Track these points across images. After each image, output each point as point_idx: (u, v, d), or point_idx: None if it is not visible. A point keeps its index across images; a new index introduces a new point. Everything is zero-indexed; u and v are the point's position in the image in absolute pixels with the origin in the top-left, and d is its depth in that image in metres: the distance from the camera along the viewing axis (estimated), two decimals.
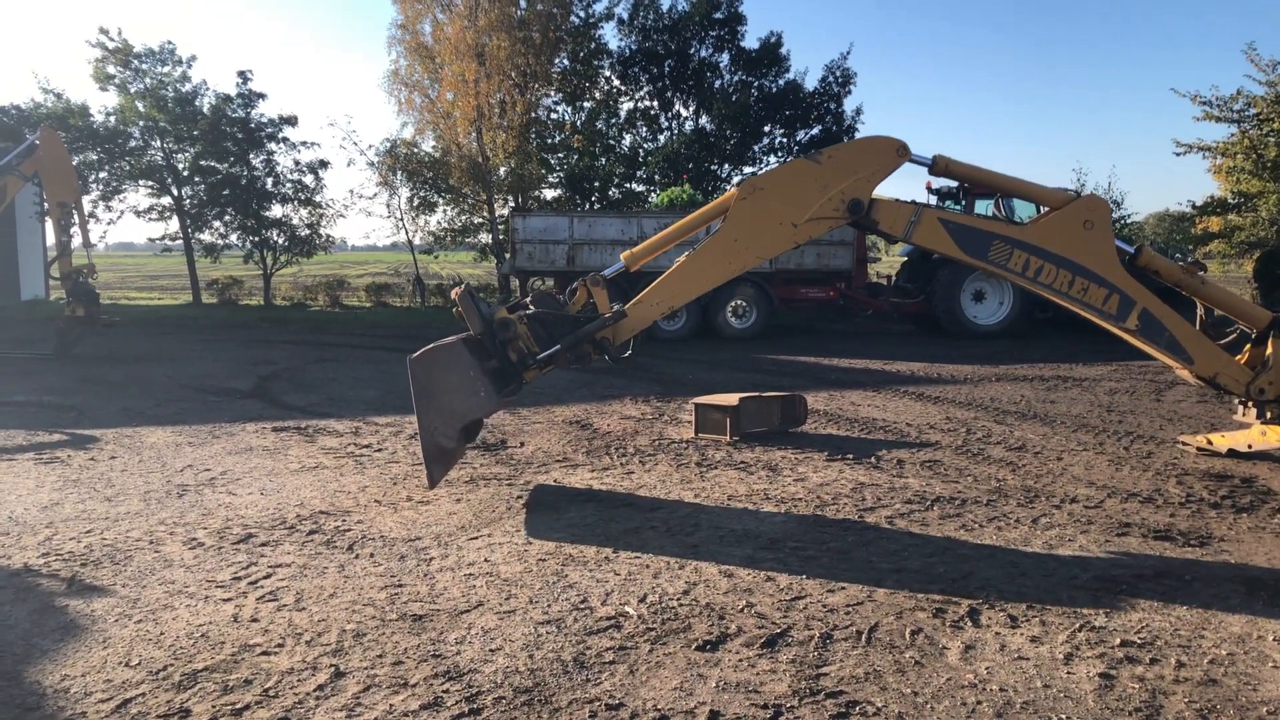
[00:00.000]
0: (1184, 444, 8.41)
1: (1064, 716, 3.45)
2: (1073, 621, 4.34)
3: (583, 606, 4.49)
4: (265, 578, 4.89)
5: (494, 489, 6.76)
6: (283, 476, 7.12)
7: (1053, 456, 7.98)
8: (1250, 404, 6.82)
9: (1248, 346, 6.99)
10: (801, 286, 19.14)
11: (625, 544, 5.47)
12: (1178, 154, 24.87)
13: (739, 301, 18.15)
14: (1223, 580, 4.94)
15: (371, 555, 5.26)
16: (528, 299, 6.61)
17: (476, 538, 5.58)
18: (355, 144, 54.02)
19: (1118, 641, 4.11)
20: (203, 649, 4.01)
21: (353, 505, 6.31)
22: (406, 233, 29.66)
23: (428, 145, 28.32)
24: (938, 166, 6.62)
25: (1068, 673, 3.81)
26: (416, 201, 28.87)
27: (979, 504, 6.45)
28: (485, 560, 5.17)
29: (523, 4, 26.12)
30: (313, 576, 4.92)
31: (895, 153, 6.41)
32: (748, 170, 30.93)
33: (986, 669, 3.85)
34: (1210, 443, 8.18)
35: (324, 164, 29.17)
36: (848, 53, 42.67)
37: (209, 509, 6.20)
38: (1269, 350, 6.70)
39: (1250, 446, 7.94)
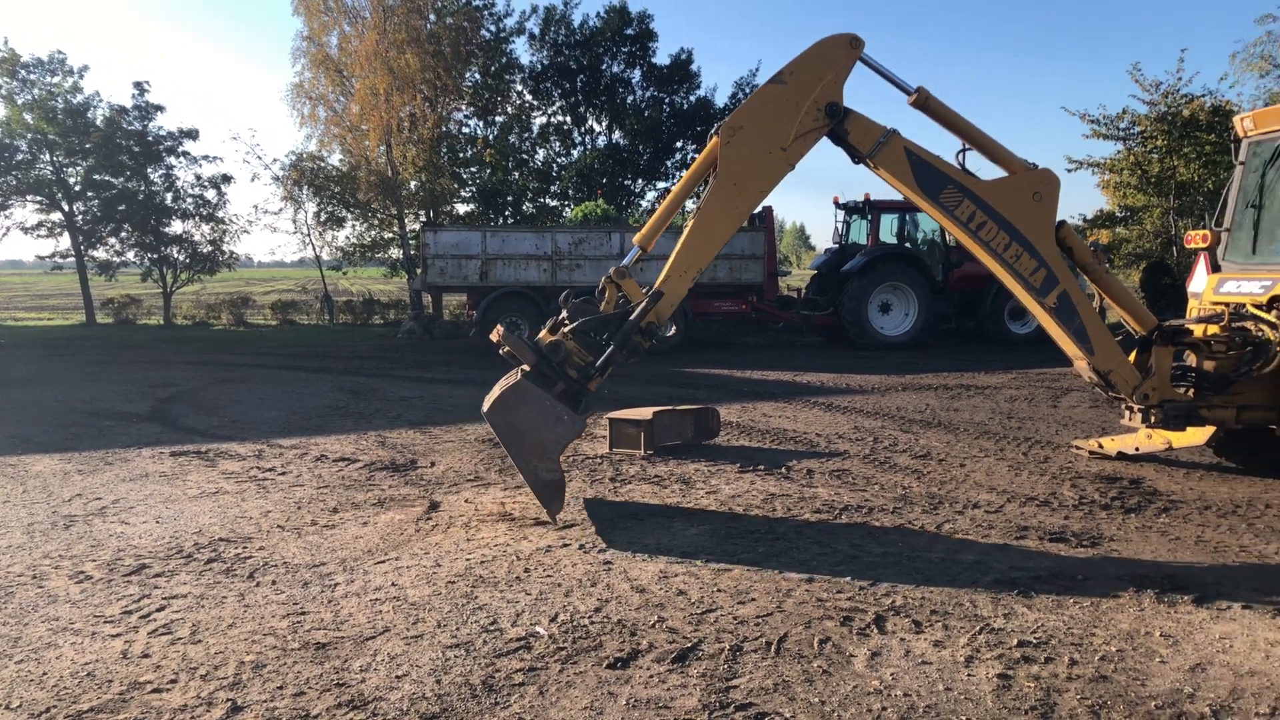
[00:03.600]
0: (1077, 448, 8.75)
1: (964, 718, 3.53)
2: (974, 624, 4.46)
3: (492, 628, 4.43)
4: (158, 610, 4.69)
5: (403, 511, 6.62)
6: (180, 503, 6.85)
7: (956, 463, 8.21)
8: (1136, 408, 7.12)
9: (1134, 350, 7.29)
10: (715, 300, 19.36)
11: (537, 562, 5.42)
12: (1070, 170, 26.00)
13: None
14: (1113, 579, 5.14)
15: (273, 583, 5.09)
16: (563, 314, 6.52)
17: (384, 561, 5.46)
18: (260, 158, 52.51)
19: (1015, 642, 4.24)
20: (89, 688, 3.82)
21: (254, 531, 6.11)
22: (314, 248, 29.02)
23: (335, 159, 27.81)
24: (918, 97, 6.75)
25: (968, 675, 3.91)
26: (324, 217, 28.27)
27: (885, 512, 6.59)
28: (392, 584, 5.05)
29: (432, 18, 25.89)
30: (210, 607, 4.73)
31: (849, 45, 6.53)
32: (660, 185, 31.19)
33: (891, 675, 3.92)
34: (1101, 446, 8.54)
35: (227, 178, 28.37)
36: (757, 70, 43.36)
37: (99, 540, 5.92)
38: (1152, 358, 7.01)
39: (1137, 449, 8.32)
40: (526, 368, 6.30)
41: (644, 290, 6.56)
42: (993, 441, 9.19)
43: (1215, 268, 7.83)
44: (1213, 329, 7.23)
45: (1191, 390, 7.08)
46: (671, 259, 6.54)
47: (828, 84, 6.48)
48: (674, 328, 6.62)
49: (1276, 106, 7.66)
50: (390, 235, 28.47)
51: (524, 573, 5.23)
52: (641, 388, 13.41)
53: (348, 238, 28.97)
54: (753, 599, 4.82)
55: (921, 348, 18.54)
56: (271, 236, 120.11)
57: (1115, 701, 3.68)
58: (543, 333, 6.49)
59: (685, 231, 6.62)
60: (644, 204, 31.05)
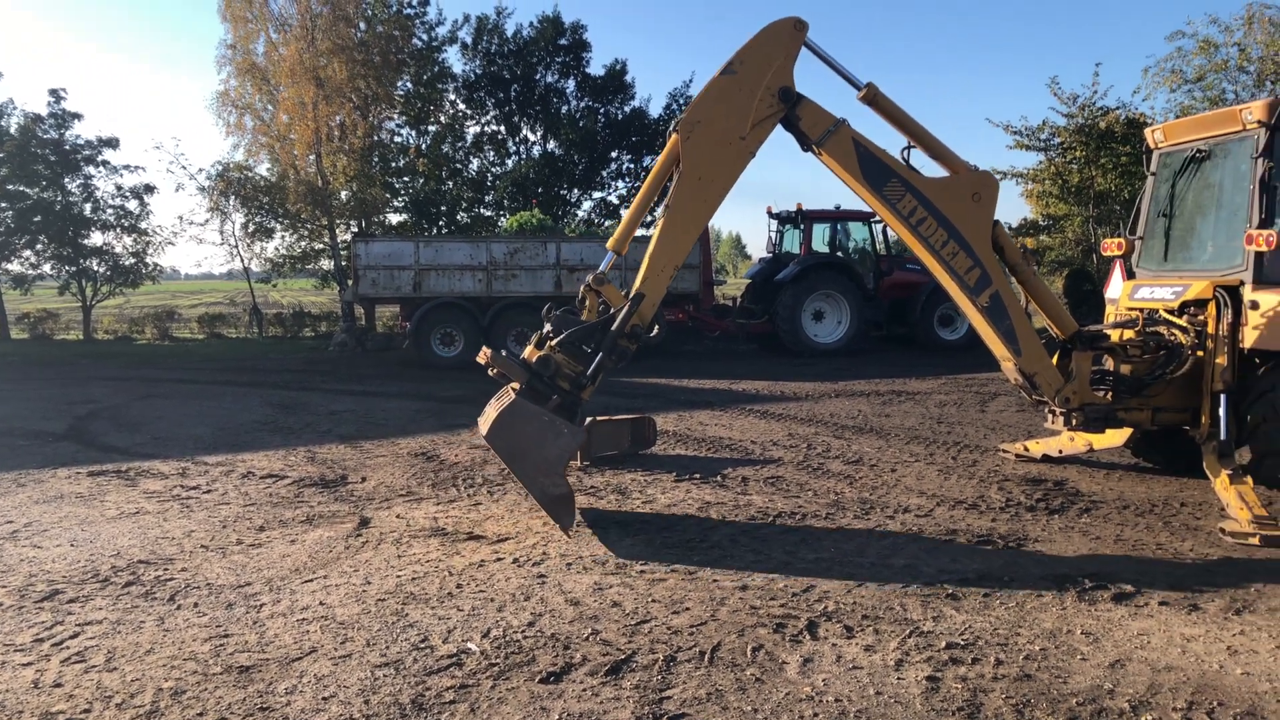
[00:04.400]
0: (1004, 451, 8.96)
1: None
2: (904, 628, 4.53)
3: (423, 646, 4.35)
4: (72, 637, 4.51)
5: (332, 528, 6.48)
6: (98, 525, 6.61)
7: (887, 468, 8.34)
8: (1058, 412, 7.32)
9: (1056, 354, 7.49)
10: None
11: (469, 578, 5.34)
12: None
13: None
14: (1037, 579, 5.27)
15: (195, 605, 4.94)
16: (547, 328, 6.48)
17: (311, 580, 5.33)
18: (184, 168, 51.07)
19: (944, 644, 4.31)
20: None
21: (176, 552, 5.92)
22: (242, 260, 28.32)
23: (263, 169, 27.22)
24: (868, 93, 6.90)
25: (898, 678, 3.97)
26: (252, 227, 27.61)
27: (818, 518, 6.66)
28: (320, 603, 4.94)
29: (362, 26, 25.55)
30: (127, 633, 4.57)
31: (794, 29, 6.62)
32: (596, 195, 31.22)
33: (823, 680, 3.95)
34: (1027, 449, 8.76)
35: (150, 188, 27.52)
36: (690, 80, 43.68)
37: (9, 565, 5.67)
38: (1072, 362, 7.22)
39: (1061, 452, 8.55)
40: (516, 386, 6.29)
41: (623, 294, 6.58)
42: (923, 446, 9.36)
43: (1130, 274, 8.10)
44: (1128, 334, 7.49)
45: (1110, 394, 7.31)
46: (647, 259, 6.57)
47: (778, 69, 6.59)
48: (656, 327, 6.65)
49: (1185, 119, 7.96)
50: (321, 246, 27.92)
51: (456, 588, 5.16)
52: None
53: (277, 249, 28.36)
54: (687, 608, 4.82)
55: (854, 354, 18.82)
56: (198, 248, 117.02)
57: (1039, 700, 3.76)
58: (529, 349, 6.50)
59: (657, 231, 6.67)
60: (580, 214, 31.06)
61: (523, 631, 4.52)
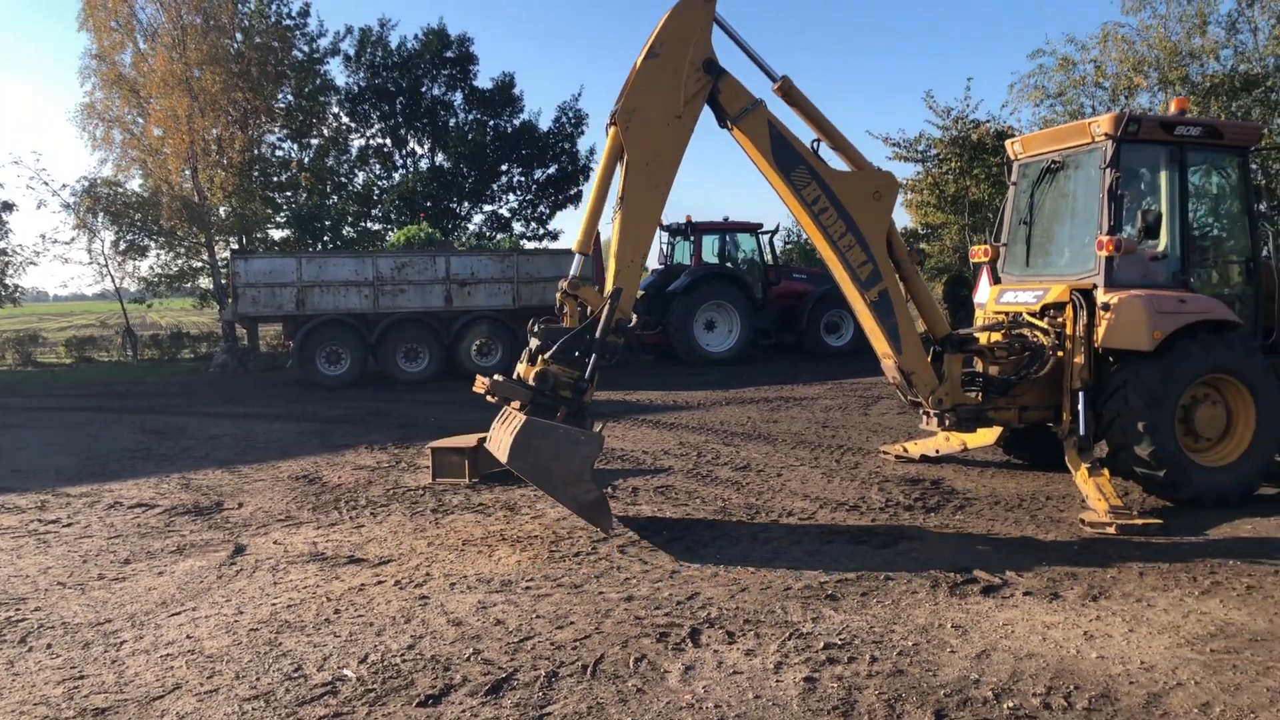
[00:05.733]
0: (885, 453, 9.24)
1: None
2: (784, 631, 4.61)
3: (296, 675, 4.20)
4: None
5: (204, 557, 6.21)
6: None
7: (774, 473, 8.49)
8: (932, 412, 7.60)
9: (930, 356, 7.77)
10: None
11: (349, 603, 5.19)
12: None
13: (483, 340, 18.02)
14: (912, 577, 5.44)
15: (49, 646, 4.65)
16: (534, 343, 6.52)
17: (179, 613, 5.09)
18: (46, 183, 48.12)
19: (822, 645, 4.40)
20: None
21: (30, 591, 5.57)
22: (113, 280, 26.97)
23: (134, 184, 26.00)
24: (783, 85, 7.13)
25: (776, 681, 4.03)
26: (124, 245, 26.32)
27: (705, 525, 6.73)
28: (188, 637, 4.72)
29: (239, 36, 24.72)
30: None
31: (702, 1, 6.77)
32: (487, 208, 30.91)
33: (704, 687, 3.98)
34: (906, 450, 9.06)
35: (8, 206, 25.98)
36: (579, 94, 43.98)
37: None
38: (945, 365, 7.50)
39: (938, 452, 8.87)
40: (517, 405, 6.37)
41: (599, 292, 6.66)
42: (808, 450, 9.57)
43: (996, 279, 8.48)
44: (995, 336, 7.82)
45: (980, 394, 7.63)
46: (614, 255, 6.65)
47: (697, 43, 6.77)
48: (634, 317, 6.71)
49: (1042, 132, 8.40)
50: (199, 264, 26.82)
51: (334, 614, 5.01)
52: (472, 414, 13.16)
53: (151, 267, 27.07)
54: (571, 622, 4.79)
55: (745, 362, 19.14)
56: (63, 268, 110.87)
57: (909, 693, 3.87)
58: (521, 366, 6.56)
59: (616, 227, 6.72)
60: (471, 227, 30.69)
61: (402, 655, 4.41)
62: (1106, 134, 7.19)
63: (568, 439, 6.10)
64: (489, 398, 6.62)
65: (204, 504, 7.78)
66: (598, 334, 6.42)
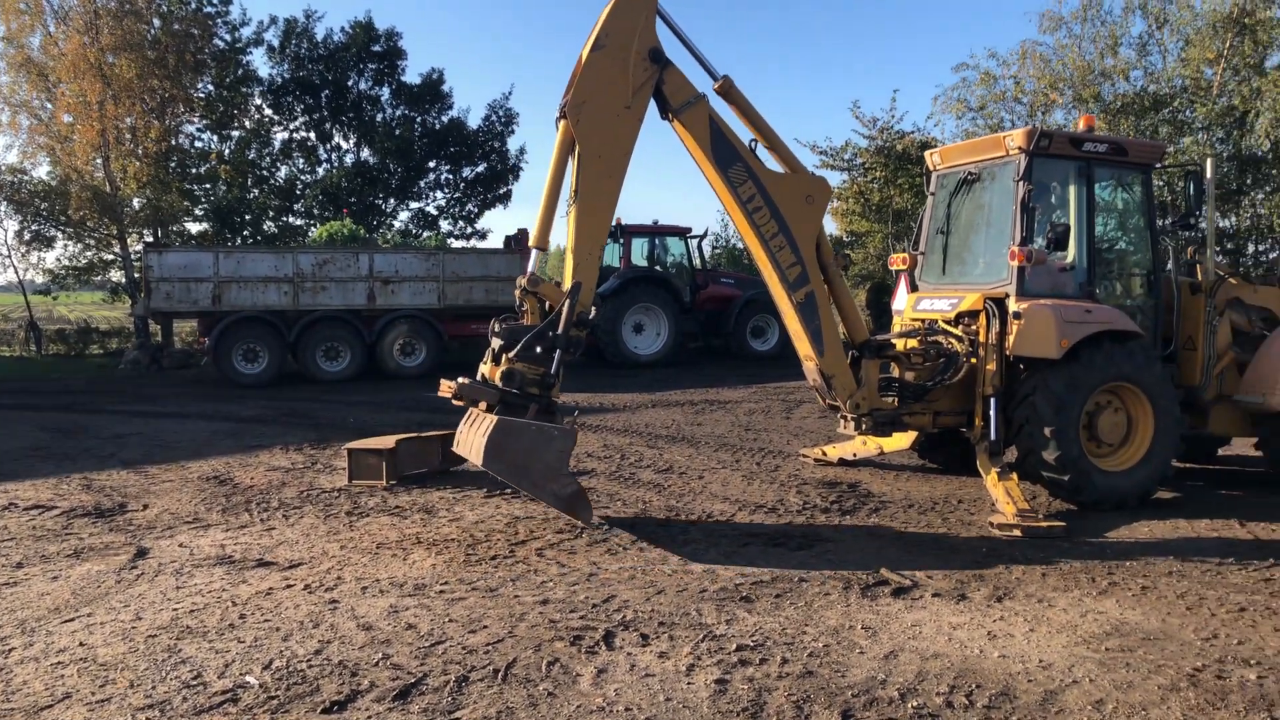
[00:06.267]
0: (805, 456, 9.37)
1: None
2: (697, 633, 4.62)
3: (195, 683, 4.06)
4: None
5: (103, 561, 5.97)
6: None
7: (695, 476, 8.53)
8: (850, 416, 7.73)
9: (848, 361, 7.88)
10: (472, 322, 19.08)
11: (255, 607, 5.04)
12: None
13: (406, 339, 17.74)
14: (826, 578, 5.51)
15: None
16: (495, 345, 6.51)
17: (73, 619, 4.88)
18: None
19: (734, 647, 4.43)
20: None
21: None
22: (16, 271, 25.83)
23: (41, 172, 24.95)
24: (723, 84, 7.24)
25: (688, 683, 4.04)
26: (29, 236, 25.24)
27: (625, 527, 6.72)
28: (81, 644, 4.52)
29: (156, 22, 23.90)
30: None
31: None
32: (414, 205, 30.44)
33: (615, 691, 3.97)
34: (825, 454, 9.19)
35: None
36: (509, 92, 43.50)
37: None
38: (862, 369, 7.63)
39: (855, 455, 9.03)
40: (484, 406, 6.39)
41: (558, 286, 6.69)
42: (730, 453, 9.64)
43: (914, 287, 8.66)
44: (912, 343, 7.99)
45: (896, 399, 7.78)
46: (571, 249, 6.65)
47: (642, 32, 6.81)
48: (594, 310, 6.72)
49: (959, 144, 8.61)
50: (111, 257, 25.86)
51: (239, 619, 4.86)
52: (394, 415, 12.97)
53: (59, 259, 26.02)
54: (485, 626, 4.73)
55: (672, 365, 19.22)
56: None
57: (818, 694, 3.92)
58: (486, 367, 6.58)
59: (572, 221, 6.70)
60: (397, 224, 30.20)
61: (308, 660, 4.30)
62: (1020, 148, 7.40)
63: (542, 435, 6.16)
64: (455, 401, 6.63)
65: (106, 506, 7.48)
66: (560, 329, 6.45)
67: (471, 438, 6.39)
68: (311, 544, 6.36)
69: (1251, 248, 22.80)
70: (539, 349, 6.45)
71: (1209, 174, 7.93)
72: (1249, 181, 21.66)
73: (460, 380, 6.55)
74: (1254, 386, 7.79)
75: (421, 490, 8.02)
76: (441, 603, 5.10)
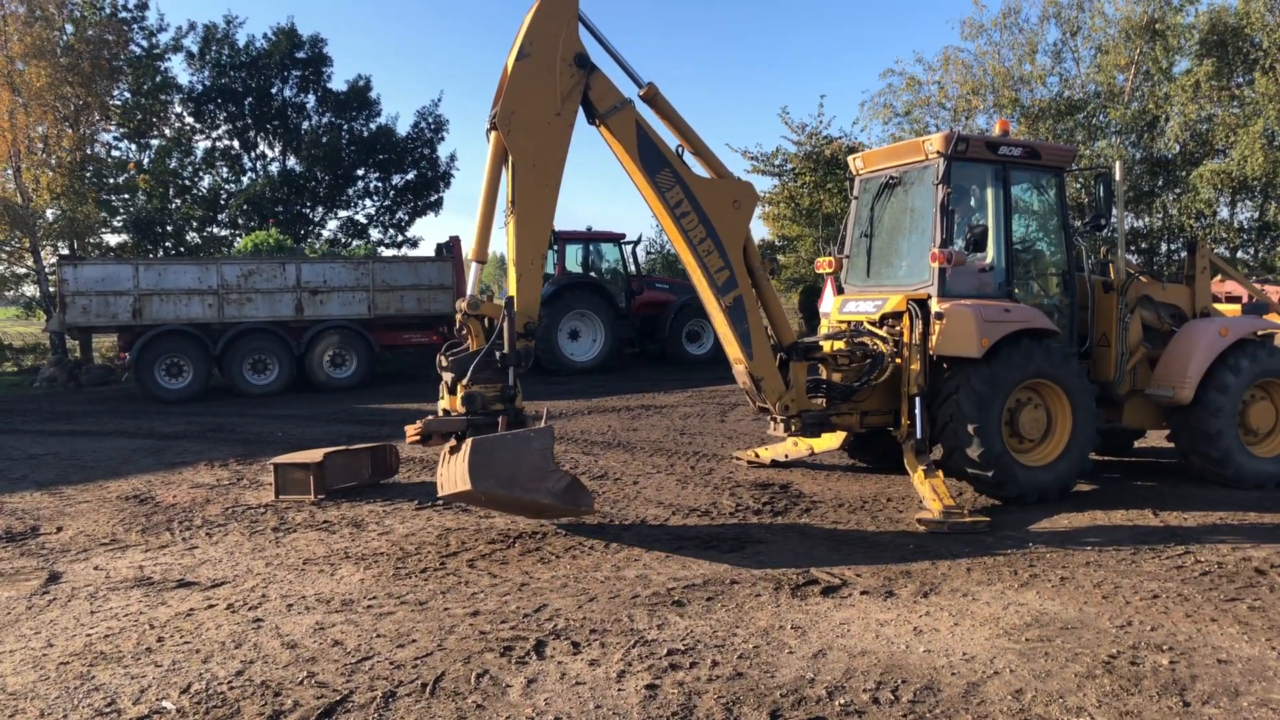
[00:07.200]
0: (738, 459, 9.44)
1: None
2: (629, 639, 4.62)
3: (109, 710, 3.92)
4: None
5: (13, 587, 5.74)
6: None
7: (630, 481, 8.54)
8: (780, 418, 7.81)
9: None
10: (404, 332, 18.86)
11: (174, 629, 4.90)
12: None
13: (336, 350, 17.43)
14: (757, 579, 5.55)
15: None
16: (447, 379, 6.54)
17: None
18: None
19: (665, 651, 4.43)
20: None
21: None
22: None
23: None
24: (649, 91, 7.26)
25: (618, 690, 4.03)
26: None
27: (559, 535, 6.69)
28: None
29: (69, 29, 23.12)
30: None
31: None
32: (343, 214, 29.93)
33: (545, 700, 3.95)
34: (758, 456, 9.27)
35: None
36: (439, 99, 43.17)
37: None
38: (790, 372, 7.72)
39: (787, 456, 9.13)
40: (453, 441, 6.36)
41: (498, 305, 6.65)
42: (665, 458, 9.67)
43: (840, 290, 8.80)
44: (839, 344, 8.11)
45: (824, 400, 7.89)
46: (512, 261, 6.63)
47: (565, 38, 6.78)
48: (539, 317, 6.66)
49: (881, 149, 8.78)
50: (24, 271, 24.91)
51: (157, 642, 4.71)
52: (323, 428, 12.72)
53: None
54: (414, 640, 4.67)
55: (608, 371, 19.23)
56: None
57: (747, 696, 3.95)
58: (445, 401, 6.59)
59: (511, 231, 6.66)
60: (325, 233, 29.64)
61: (229, 682, 4.19)
62: (939, 152, 7.58)
63: (520, 441, 6.17)
64: (425, 444, 6.62)
65: (17, 529, 7.20)
66: (505, 347, 6.41)
67: (453, 468, 6.24)
68: (235, 562, 6.20)
69: (1164, 247, 23.68)
70: (490, 369, 6.43)
71: (1118, 176, 8.23)
72: (1160, 184, 22.51)
73: (427, 419, 6.53)
74: (1164, 380, 8.08)
75: (351, 504, 7.88)
76: (369, 618, 5.02)
